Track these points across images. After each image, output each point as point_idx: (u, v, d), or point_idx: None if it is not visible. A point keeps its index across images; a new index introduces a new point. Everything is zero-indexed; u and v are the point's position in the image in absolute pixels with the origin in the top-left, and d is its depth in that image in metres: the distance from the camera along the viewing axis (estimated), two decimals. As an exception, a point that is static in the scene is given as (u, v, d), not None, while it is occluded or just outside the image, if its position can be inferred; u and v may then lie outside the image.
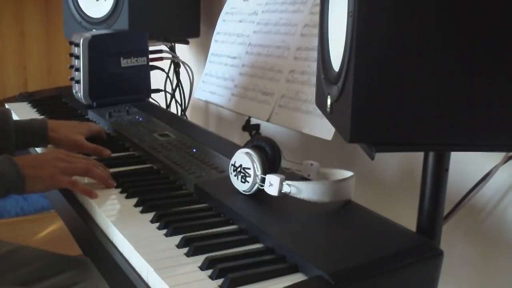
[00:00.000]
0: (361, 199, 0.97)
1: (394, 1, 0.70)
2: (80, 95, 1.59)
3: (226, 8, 1.68)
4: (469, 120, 0.73)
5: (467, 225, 1.20)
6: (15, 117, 1.61)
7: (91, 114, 1.57)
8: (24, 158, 1.08)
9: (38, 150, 1.34)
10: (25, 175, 1.02)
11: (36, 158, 1.12)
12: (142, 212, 0.97)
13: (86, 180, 1.10)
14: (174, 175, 1.11)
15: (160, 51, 1.92)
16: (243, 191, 0.97)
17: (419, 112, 0.72)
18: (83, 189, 1.04)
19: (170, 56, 1.98)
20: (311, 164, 1.05)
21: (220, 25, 1.67)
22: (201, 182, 1.04)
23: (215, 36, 1.67)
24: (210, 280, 0.75)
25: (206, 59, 1.67)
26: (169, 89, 2.06)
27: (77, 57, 1.57)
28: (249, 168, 0.95)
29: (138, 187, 1.06)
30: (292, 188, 0.90)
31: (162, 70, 1.97)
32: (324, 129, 1.18)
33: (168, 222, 0.91)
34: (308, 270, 0.76)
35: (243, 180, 0.97)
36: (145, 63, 1.67)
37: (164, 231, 0.89)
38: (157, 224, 0.92)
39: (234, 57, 1.55)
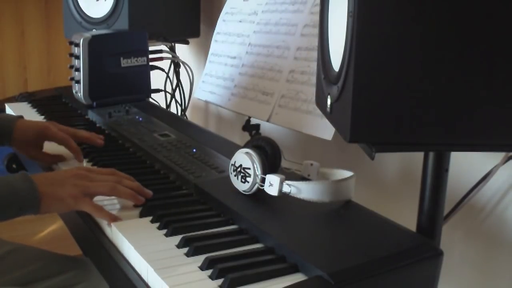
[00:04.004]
0: (361, 199, 0.97)
1: (394, 1, 0.70)
2: (80, 95, 1.59)
3: (226, 8, 1.68)
4: (469, 120, 0.73)
5: (467, 225, 1.20)
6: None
7: (91, 114, 1.57)
8: (41, 175, 0.98)
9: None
10: (41, 193, 0.92)
11: (54, 175, 1.01)
12: (142, 212, 0.97)
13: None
14: (174, 175, 1.11)
15: (160, 51, 1.92)
16: (243, 191, 0.97)
17: (419, 112, 0.72)
18: (108, 215, 0.95)
19: (170, 56, 1.98)
20: (311, 164, 1.05)
21: (220, 25, 1.67)
22: (201, 182, 1.04)
23: (215, 36, 1.67)
24: (210, 280, 0.75)
25: (206, 59, 1.67)
26: (169, 89, 2.06)
27: (77, 57, 1.57)
28: (249, 168, 0.95)
29: (138, 187, 1.06)
30: (292, 188, 0.90)
31: (162, 70, 1.97)
32: (324, 129, 1.18)
33: (168, 222, 0.90)
34: (308, 270, 0.76)
35: (243, 180, 0.97)
36: (145, 63, 1.67)
37: (164, 231, 0.89)
38: (157, 224, 0.92)
39: (234, 57, 1.55)
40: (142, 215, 0.96)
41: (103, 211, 0.95)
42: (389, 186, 1.39)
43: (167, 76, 2.04)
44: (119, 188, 0.98)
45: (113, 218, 0.94)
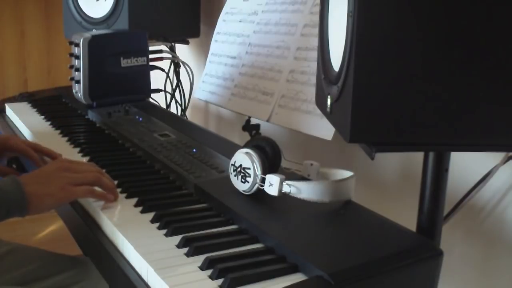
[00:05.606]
0: (361, 199, 0.97)
1: (394, 1, 0.70)
2: (80, 95, 1.59)
3: (226, 8, 1.68)
4: (469, 120, 0.73)
5: (467, 225, 1.20)
6: (14, 116, 1.62)
7: (91, 114, 1.57)
8: (26, 176, 0.97)
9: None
10: (29, 194, 0.92)
11: (38, 173, 0.99)
12: (142, 212, 0.97)
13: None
14: (174, 175, 1.11)
15: (160, 51, 1.92)
16: (243, 191, 0.97)
17: (419, 112, 0.72)
18: (102, 194, 0.97)
19: (170, 56, 1.98)
20: (311, 164, 1.05)
21: (220, 25, 1.67)
22: (201, 182, 1.04)
23: (215, 36, 1.67)
24: (210, 280, 0.75)
25: (206, 59, 1.67)
26: (169, 89, 2.06)
27: (77, 57, 1.57)
28: (249, 168, 0.95)
29: (138, 187, 1.06)
30: (292, 188, 0.90)
31: (162, 70, 1.97)
32: (324, 129, 1.18)
33: (168, 222, 0.91)
34: (308, 270, 0.76)
35: (243, 180, 0.97)
36: (145, 63, 1.67)
37: (164, 231, 0.89)
38: (157, 224, 0.92)
39: (234, 57, 1.55)
40: (143, 212, 0.96)
41: (97, 191, 0.97)
42: (389, 186, 1.39)
43: (167, 76, 2.04)
44: (103, 179, 0.99)
45: (106, 196, 0.96)
